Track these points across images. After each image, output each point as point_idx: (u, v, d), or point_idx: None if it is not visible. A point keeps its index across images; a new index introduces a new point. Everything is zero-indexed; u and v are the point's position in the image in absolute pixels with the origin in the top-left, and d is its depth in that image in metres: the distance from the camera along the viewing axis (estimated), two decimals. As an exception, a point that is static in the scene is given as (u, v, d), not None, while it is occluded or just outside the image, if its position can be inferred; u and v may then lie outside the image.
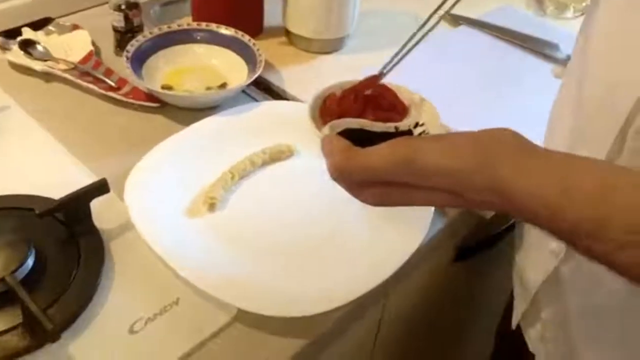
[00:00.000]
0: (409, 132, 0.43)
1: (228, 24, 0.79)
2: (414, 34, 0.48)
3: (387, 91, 0.46)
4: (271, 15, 0.88)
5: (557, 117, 0.59)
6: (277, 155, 0.66)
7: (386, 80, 0.47)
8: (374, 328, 0.70)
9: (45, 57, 0.77)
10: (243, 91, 0.76)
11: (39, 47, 0.78)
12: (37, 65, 0.75)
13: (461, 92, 0.80)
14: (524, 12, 1.00)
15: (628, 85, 0.44)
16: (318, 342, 0.52)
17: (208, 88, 0.75)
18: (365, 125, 0.42)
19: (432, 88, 0.79)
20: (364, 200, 0.40)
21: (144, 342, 0.48)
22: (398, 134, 0.42)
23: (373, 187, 0.39)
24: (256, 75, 0.73)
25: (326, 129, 0.41)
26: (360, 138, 0.40)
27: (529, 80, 0.83)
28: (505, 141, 0.37)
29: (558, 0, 1.00)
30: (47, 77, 0.76)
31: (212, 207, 0.60)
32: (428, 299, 0.79)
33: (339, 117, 0.43)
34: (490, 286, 0.92)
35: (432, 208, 0.59)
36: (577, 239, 0.34)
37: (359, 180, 0.39)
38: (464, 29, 0.94)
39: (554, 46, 0.88)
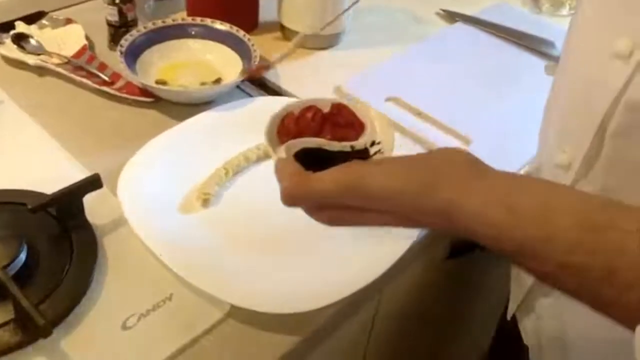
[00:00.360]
0: (365, 151, 0.43)
1: (223, 19, 0.79)
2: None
3: (345, 109, 0.46)
4: (266, 11, 0.87)
5: (547, 115, 0.59)
6: (272, 151, 0.66)
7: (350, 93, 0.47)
8: (368, 325, 0.70)
9: (39, 51, 0.76)
10: (238, 87, 0.76)
11: (32, 41, 0.77)
12: (31, 59, 0.75)
13: (456, 88, 0.80)
14: (520, 9, 1.00)
15: (603, 85, 0.45)
16: (311, 338, 0.52)
17: (202, 83, 0.75)
18: (322, 145, 0.42)
19: (428, 84, 0.80)
20: (321, 221, 0.41)
21: (137, 337, 0.48)
22: (354, 152, 0.43)
23: (326, 210, 0.40)
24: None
25: (282, 150, 0.42)
26: (317, 157, 0.40)
27: (525, 78, 0.83)
28: (456, 162, 0.38)
29: (553, -3, 1.00)
30: (41, 71, 0.75)
31: (205, 202, 0.60)
32: (422, 296, 0.79)
33: (297, 136, 0.44)
34: (485, 283, 0.92)
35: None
36: (523, 259, 0.35)
37: (310, 205, 0.40)
38: (460, 25, 0.93)
39: (550, 43, 0.88)
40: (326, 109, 0.46)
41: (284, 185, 0.40)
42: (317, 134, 0.44)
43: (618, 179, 0.47)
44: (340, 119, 0.46)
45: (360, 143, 0.43)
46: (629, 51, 0.42)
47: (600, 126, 0.45)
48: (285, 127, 0.45)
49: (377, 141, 0.44)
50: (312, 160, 0.41)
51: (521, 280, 0.62)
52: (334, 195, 0.38)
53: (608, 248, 0.32)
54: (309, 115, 0.45)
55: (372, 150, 0.44)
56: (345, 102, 0.47)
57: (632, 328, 0.31)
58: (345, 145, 0.43)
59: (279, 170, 0.41)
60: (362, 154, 0.43)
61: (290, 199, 0.40)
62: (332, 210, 0.40)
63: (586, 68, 0.48)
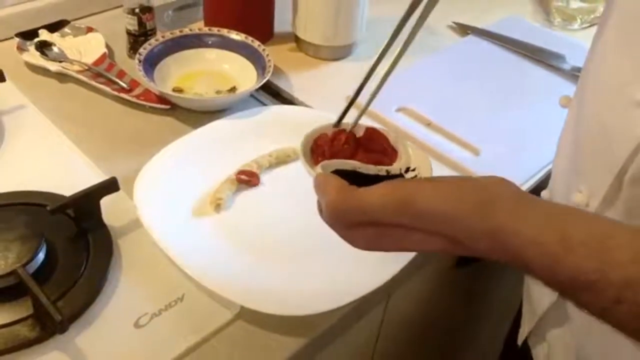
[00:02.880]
0: (400, 176, 0.43)
1: (239, 29, 0.81)
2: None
3: (378, 135, 0.46)
4: (281, 22, 0.89)
5: (561, 147, 0.58)
6: (284, 158, 0.68)
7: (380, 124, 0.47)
8: (375, 330, 0.71)
9: (61, 58, 0.79)
10: (252, 95, 0.77)
11: (55, 49, 0.80)
12: (53, 66, 0.77)
13: (466, 99, 0.81)
14: (532, 23, 1.01)
15: (624, 132, 0.44)
16: (318, 341, 0.53)
17: (218, 92, 0.76)
18: (357, 167, 0.42)
19: (438, 95, 0.81)
20: (355, 242, 0.39)
21: (148, 336, 0.50)
22: (389, 177, 0.42)
23: (367, 228, 0.37)
24: (265, 80, 0.75)
25: (319, 168, 0.41)
26: (351, 180, 0.39)
27: (535, 91, 0.84)
28: (505, 188, 0.36)
29: (565, 11, 1.01)
30: (62, 77, 0.78)
31: (218, 207, 0.61)
32: (429, 303, 0.80)
33: (330, 157, 0.43)
34: (493, 293, 0.92)
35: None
36: (575, 291, 0.34)
37: (353, 221, 0.37)
38: (471, 38, 0.95)
39: (561, 57, 0.88)
40: (359, 134, 0.46)
41: (329, 198, 0.37)
42: (350, 157, 0.44)
43: (637, 222, 0.46)
44: (374, 145, 0.46)
45: (395, 168, 0.43)
46: None
47: (618, 173, 0.45)
48: (319, 147, 0.45)
49: (412, 168, 0.44)
50: (347, 181, 0.39)
51: (533, 305, 0.61)
52: (383, 210, 0.36)
53: None
54: (342, 137, 0.45)
55: (408, 176, 0.43)
56: (378, 128, 0.47)
57: None
58: (381, 169, 0.42)
59: (320, 185, 0.39)
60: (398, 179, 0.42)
61: (334, 212, 0.37)
62: (372, 228, 0.37)
63: (606, 113, 0.47)
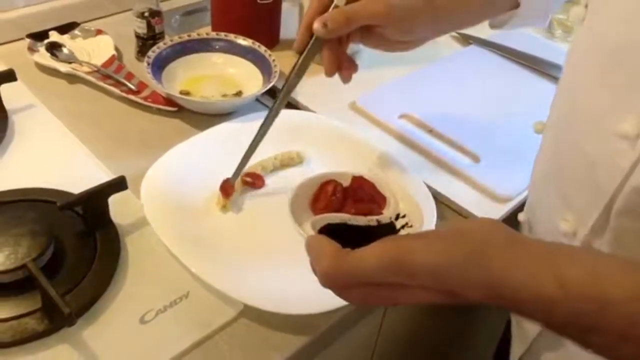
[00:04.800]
0: (391, 225, 0.43)
1: (245, 34, 0.82)
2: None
3: (365, 182, 0.47)
4: (287, 28, 0.91)
5: (538, 170, 0.58)
6: (288, 162, 0.69)
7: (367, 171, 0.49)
8: (375, 331, 0.72)
9: (70, 59, 0.80)
10: (257, 99, 0.79)
11: (65, 50, 0.82)
12: (62, 67, 0.79)
13: (468, 107, 0.82)
14: (533, 34, 1.03)
15: (609, 165, 0.44)
16: (320, 340, 0.54)
17: (224, 95, 0.78)
18: (347, 220, 0.42)
19: (440, 102, 0.82)
20: (351, 300, 0.39)
21: (153, 332, 0.51)
22: (380, 227, 0.43)
23: (362, 288, 0.37)
24: (271, 85, 0.76)
25: (309, 228, 0.42)
26: (342, 233, 0.40)
27: (535, 100, 0.85)
28: (495, 233, 0.36)
29: (566, 24, 1.03)
30: (71, 78, 0.79)
31: (224, 208, 0.62)
32: (428, 310, 0.81)
33: (320, 210, 0.44)
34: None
35: (434, 219, 0.61)
36: (579, 333, 0.34)
37: (349, 284, 0.38)
38: (473, 48, 0.96)
39: (560, 68, 0.89)
40: (346, 183, 0.47)
41: (323, 264, 0.38)
42: (339, 208, 0.44)
43: (626, 250, 0.46)
44: (362, 194, 0.46)
45: (385, 217, 0.44)
46: (636, 132, 0.41)
47: (606, 205, 0.45)
48: (310, 201, 0.46)
49: (402, 214, 0.44)
50: (337, 236, 0.39)
51: (523, 328, 0.61)
52: (377, 272, 0.36)
53: None
54: (330, 189, 0.46)
55: (399, 224, 0.44)
56: (364, 175, 0.47)
57: None
58: (371, 220, 0.43)
59: (312, 249, 0.39)
60: (389, 228, 0.43)
61: (329, 278, 0.38)
62: (366, 288, 0.37)
63: (587, 143, 0.47)
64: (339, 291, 0.39)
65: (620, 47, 0.44)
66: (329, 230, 0.41)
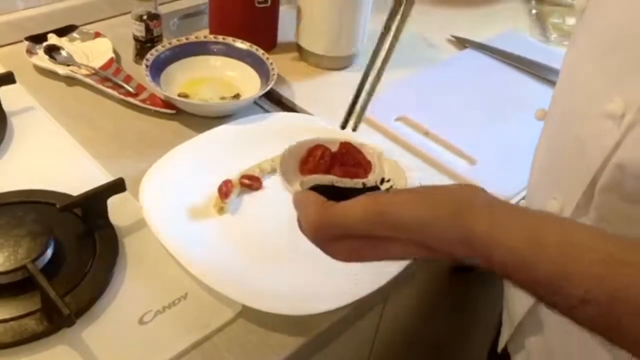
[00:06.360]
0: (376, 188, 0.45)
1: (243, 38, 0.83)
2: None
3: (352, 148, 0.48)
4: (284, 32, 0.92)
5: (537, 156, 0.60)
6: (285, 164, 0.69)
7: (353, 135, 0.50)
8: (372, 332, 0.72)
9: (69, 62, 0.81)
10: (255, 102, 0.79)
11: (63, 53, 0.82)
12: (61, 70, 0.79)
13: (464, 110, 0.83)
14: (529, 38, 1.03)
15: (595, 143, 0.46)
16: (317, 341, 0.54)
17: (222, 98, 0.78)
18: (335, 182, 0.44)
19: (437, 105, 0.83)
20: (336, 255, 0.40)
21: (152, 332, 0.51)
22: (366, 189, 0.44)
23: (347, 241, 0.39)
24: (268, 88, 0.77)
25: (297, 185, 0.43)
26: (329, 194, 0.41)
27: (530, 103, 0.86)
28: (476, 195, 0.38)
29: (561, 28, 1.04)
30: (70, 81, 0.80)
31: (221, 210, 0.63)
32: (425, 308, 0.82)
33: (308, 172, 0.46)
34: (488, 301, 0.94)
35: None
36: (544, 293, 0.35)
37: (333, 235, 0.39)
38: (469, 51, 0.97)
39: (555, 71, 0.90)
40: (334, 148, 0.48)
41: (309, 215, 0.39)
42: (327, 172, 0.46)
43: (610, 227, 0.47)
44: (349, 159, 0.48)
45: (370, 180, 0.45)
46: (621, 112, 0.43)
47: (590, 182, 0.47)
48: (299, 163, 0.47)
49: (386, 179, 0.46)
50: (324, 196, 0.41)
51: (511, 312, 0.63)
52: (361, 222, 0.37)
53: (634, 284, 0.32)
54: (318, 153, 0.48)
55: (383, 187, 0.45)
56: (351, 141, 0.49)
57: None
58: (357, 182, 0.45)
59: (298, 201, 0.41)
60: (374, 191, 0.44)
61: (314, 228, 0.39)
62: (350, 241, 0.39)
63: (579, 125, 0.49)
64: (324, 244, 0.40)
65: (616, 33, 0.46)
66: (316, 191, 0.43)
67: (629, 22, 0.44)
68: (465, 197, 0.37)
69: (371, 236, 0.38)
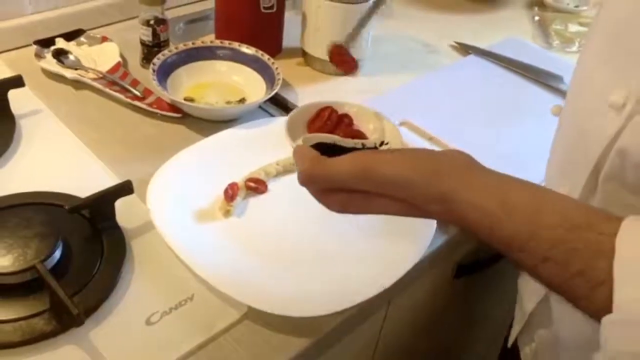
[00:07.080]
0: (375, 149, 0.48)
1: (249, 43, 0.84)
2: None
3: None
4: (289, 37, 0.92)
5: (553, 150, 0.62)
6: (290, 167, 0.70)
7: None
8: (376, 334, 0.73)
9: (76, 65, 0.82)
10: (260, 107, 0.80)
11: (71, 57, 0.83)
12: (68, 73, 0.80)
13: (467, 115, 0.83)
14: (531, 44, 1.04)
15: (598, 133, 0.47)
16: (322, 342, 0.55)
17: (228, 102, 0.79)
18: (336, 141, 0.47)
19: (440, 110, 0.84)
20: (328, 205, 0.44)
21: (159, 333, 0.52)
22: (365, 149, 0.47)
23: (337, 194, 0.43)
24: (274, 92, 0.77)
25: (300, 141, 0.46)
26: (331, 152, 0.44)
27: (533, 109, 0.87)
28: (458, 159, 0.41)
29: (564, 34, 1.04)
30: (77, 84, 0.80)
31: (227, 213, 0.64)
32: (429, 310, 0.82)
33: (314, 130, 0.49)
34: (492, 303, 0.94)
35: (434, 224, 0.63)
36: (511, 250, 0.38)
37: (324, 187, 0.43)
38: (472, 58, 0.98)
39: (558, 78, 0.92)
40: (341, 111, 0.52)
41: (303, 166, 0.42)
42: (332, 132, 0.49)
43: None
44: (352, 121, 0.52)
45: (370, 141, 0.49)
46: (623, 102, 0.45)
47: (593, 171, 0.48)
48: (305, 123, 0.51)
49: (385, 142, 0.49)
50: (326, 154, 0.44)
51: (523, 304, 0.64)
52: (349, 177, 0.41)
53: (586, 247, 0.35)
54: (325, 114, 0.52)
55: (381, 149, 0.49)
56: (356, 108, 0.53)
57: (600, 321, 0.34)
58: (357, 142, 0.48)
59: (297, 154, 0.44)
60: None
61: (307, 178, 0.43)
62: (341, 194, 0.42)
63: (585, 117, 0.51)
64: (318, 195, 0.44)
65: (620, 26, 0.47)
66: (319, 148, 0.45)
67: (633, 15, 0.46)
68: (447, 159, 0.41)
69: (359, 190, 0.41)
